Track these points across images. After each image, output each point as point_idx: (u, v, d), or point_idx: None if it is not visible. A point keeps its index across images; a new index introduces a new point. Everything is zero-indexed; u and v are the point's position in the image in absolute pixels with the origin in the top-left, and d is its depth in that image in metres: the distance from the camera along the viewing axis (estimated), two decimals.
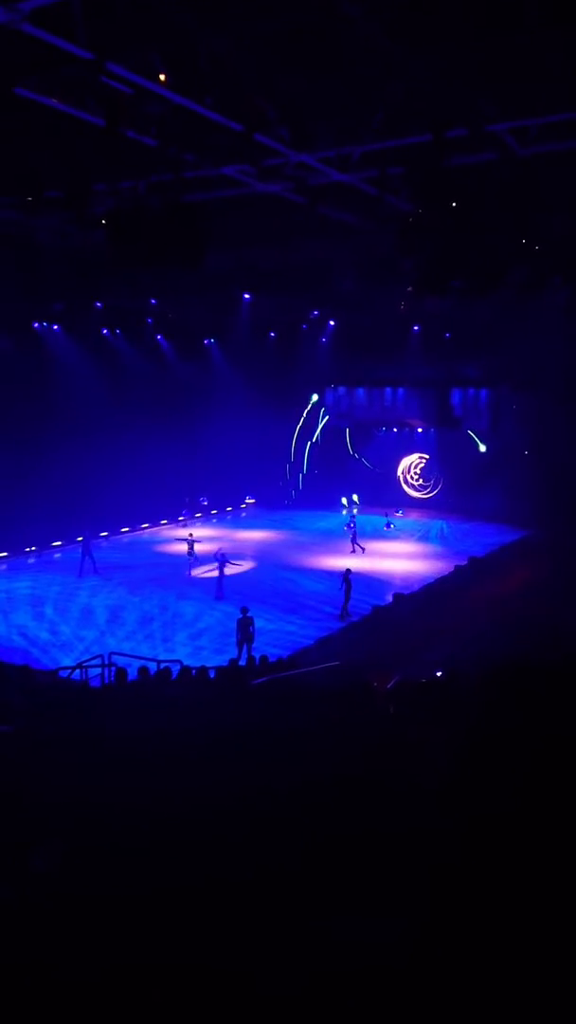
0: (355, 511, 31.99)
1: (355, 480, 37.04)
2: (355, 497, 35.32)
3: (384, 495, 36.28)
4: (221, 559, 22.08)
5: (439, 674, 12.25)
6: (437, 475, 36.11)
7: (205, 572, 24.28)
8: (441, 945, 2.65)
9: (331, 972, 2.68)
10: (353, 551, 27.22)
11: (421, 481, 36.73)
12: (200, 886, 3.32)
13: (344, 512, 32.85)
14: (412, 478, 37.01)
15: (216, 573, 22.01)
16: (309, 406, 37.11)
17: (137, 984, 2.74)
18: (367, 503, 35.71)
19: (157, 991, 2.71)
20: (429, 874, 3.08)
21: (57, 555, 27.23)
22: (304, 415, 37.34)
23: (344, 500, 35.23)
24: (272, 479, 36.92)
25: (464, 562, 25.17)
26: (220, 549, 23.04)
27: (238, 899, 3.21)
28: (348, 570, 20.68)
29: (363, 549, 27.48)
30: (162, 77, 10.54)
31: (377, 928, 2.81)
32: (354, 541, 27.72)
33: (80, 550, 24.23)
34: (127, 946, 2.91)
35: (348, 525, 29.13)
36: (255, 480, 36.58)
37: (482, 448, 34.00)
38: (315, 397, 36.95)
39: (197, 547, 24.42)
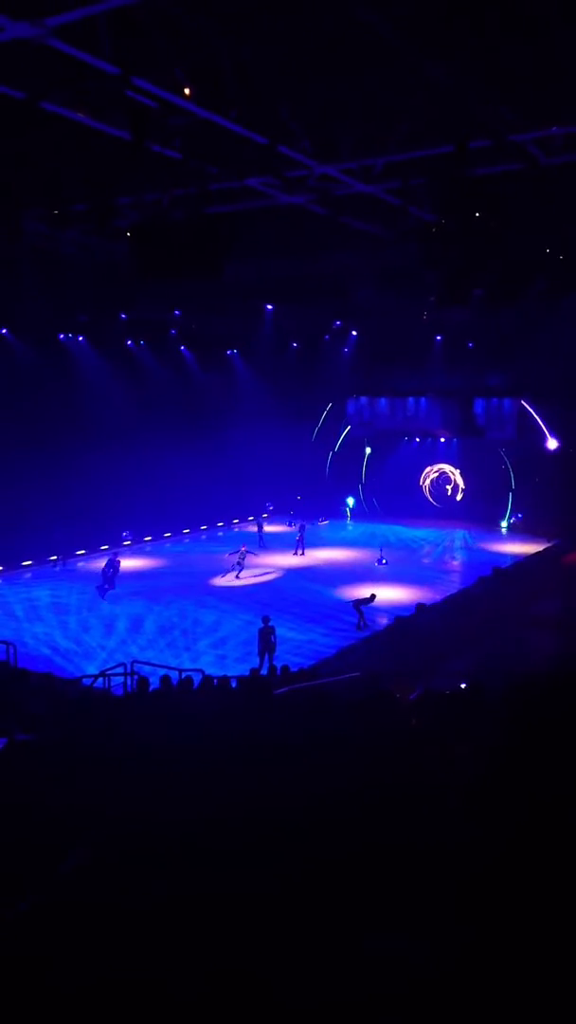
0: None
1: (376, 490, 36.99)
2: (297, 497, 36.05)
3: (407, 505, 36.15)
4: (113, 561, 23.03)
5: (463, 686, 12.15)
6: (454, 490, 36.12)
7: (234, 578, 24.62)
8: (469, 962, 2.62)
9: (356, 988, 2.65)
10: (297, 551, 28.25)
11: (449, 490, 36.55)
12: (222, 896, 3.31)
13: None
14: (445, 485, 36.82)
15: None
16: (324, 415, 37.23)
17: (159, 994, 2.74)
18: (393, 513, 35.44)
19: (179, 1001, 2.70)
20: (456, 890, 3.05)
21: (80, 564, 27.40)
22: (320, 423, 37.40)
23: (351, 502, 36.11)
24: (294, 489, 36.96)
25: (488, 573, 24.99)
26: (116, 553, 23.99)
27: (259, 911, 3.20)
28: (373, 595, 20.52)
29: (303, 552, 28.18)
30: (187, 91, 10.64)
31: (403, 944, 2.78)
32: (300, 544, 28.52)
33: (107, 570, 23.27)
34: (153, 955, 2.91)
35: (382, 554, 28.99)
36: (273, 490, 36.63)
37: (504, 525, 33.91)
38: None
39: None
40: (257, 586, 24.42)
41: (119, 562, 23.53)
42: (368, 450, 37.04)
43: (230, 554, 25.56)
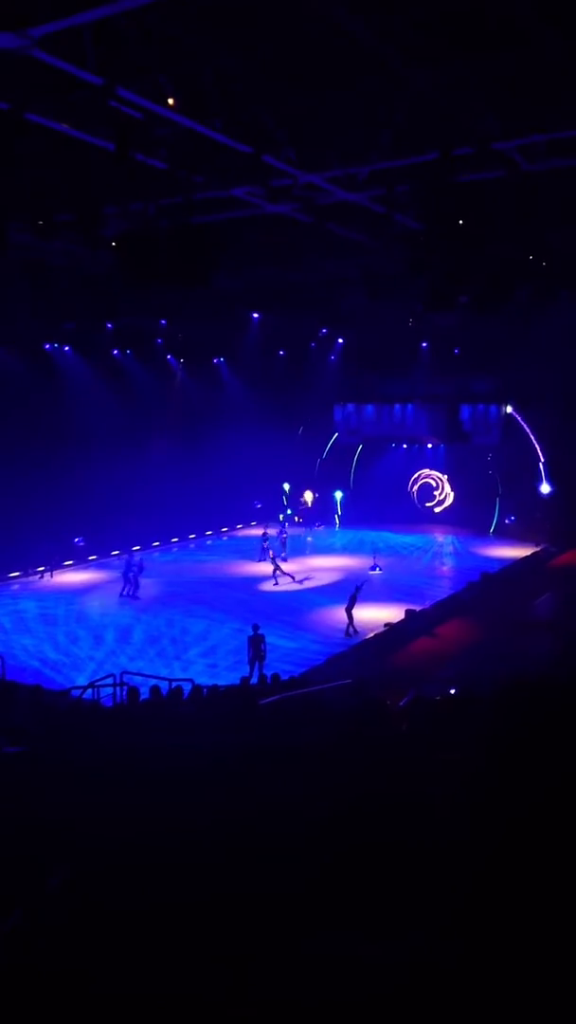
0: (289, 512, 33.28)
1: (364, 496, 37.01)
2: (285, 486, 35.73)
3: (395, 511, 36.19)
4: (138, 565, 23.61)
5: (453, 691, 12.18)
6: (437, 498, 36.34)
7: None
8: (464, 964, 2.62)
9: (348, 991, 2.65)
10: (274, 573, 25.43)
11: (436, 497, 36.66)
12: (212, 905, 3.30)
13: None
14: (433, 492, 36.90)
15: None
16: (301, 429, 37.27)
17: (150, 1003, 2.72)
18: (382, 520, 35.36)
19: (170, 1009, 2.69)
20: (448, 892, 3.05)
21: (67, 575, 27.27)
22: (299, 433, 37.43)
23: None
24: (280, 499, 36.96)
25: (476, 578, 25.05)
26: (139, 557, 24.56)
27: (249, 919, 3.19)
28: (358, 588, 20.51)
29: (279, 573, 25.37)
30: (171, 101, 10.67)
31: (394, 948, 2.78)
32: (277, 557, 27.26)
33: (132, 571, 23.74)
34: (139, 966, 2.89)
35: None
36: (262, 498, 36.56)
37: (491, 530, 34.10)
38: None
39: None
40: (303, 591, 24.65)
41: (141, 563, 23.91)
42: (361, 446, 37.12)
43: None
